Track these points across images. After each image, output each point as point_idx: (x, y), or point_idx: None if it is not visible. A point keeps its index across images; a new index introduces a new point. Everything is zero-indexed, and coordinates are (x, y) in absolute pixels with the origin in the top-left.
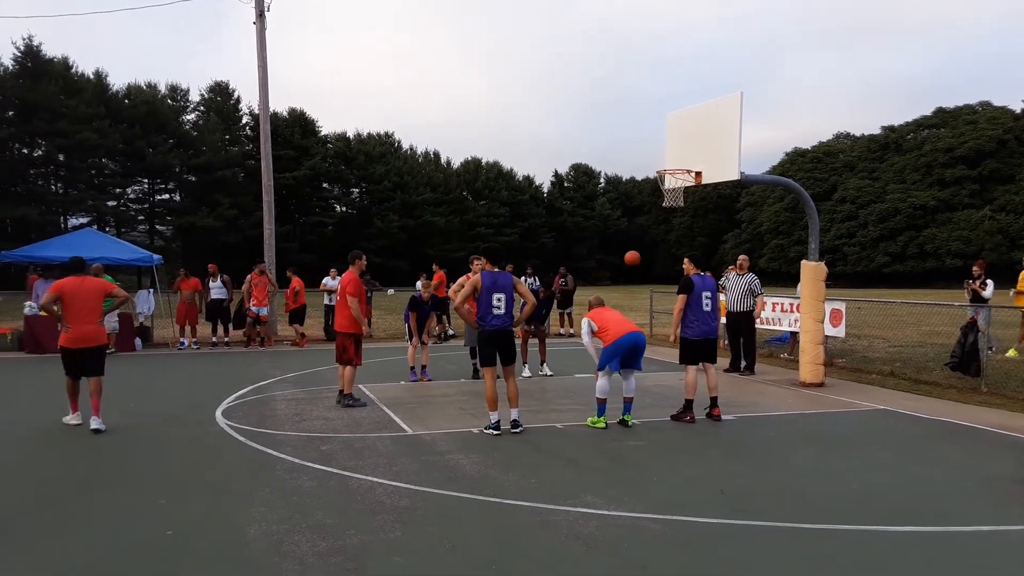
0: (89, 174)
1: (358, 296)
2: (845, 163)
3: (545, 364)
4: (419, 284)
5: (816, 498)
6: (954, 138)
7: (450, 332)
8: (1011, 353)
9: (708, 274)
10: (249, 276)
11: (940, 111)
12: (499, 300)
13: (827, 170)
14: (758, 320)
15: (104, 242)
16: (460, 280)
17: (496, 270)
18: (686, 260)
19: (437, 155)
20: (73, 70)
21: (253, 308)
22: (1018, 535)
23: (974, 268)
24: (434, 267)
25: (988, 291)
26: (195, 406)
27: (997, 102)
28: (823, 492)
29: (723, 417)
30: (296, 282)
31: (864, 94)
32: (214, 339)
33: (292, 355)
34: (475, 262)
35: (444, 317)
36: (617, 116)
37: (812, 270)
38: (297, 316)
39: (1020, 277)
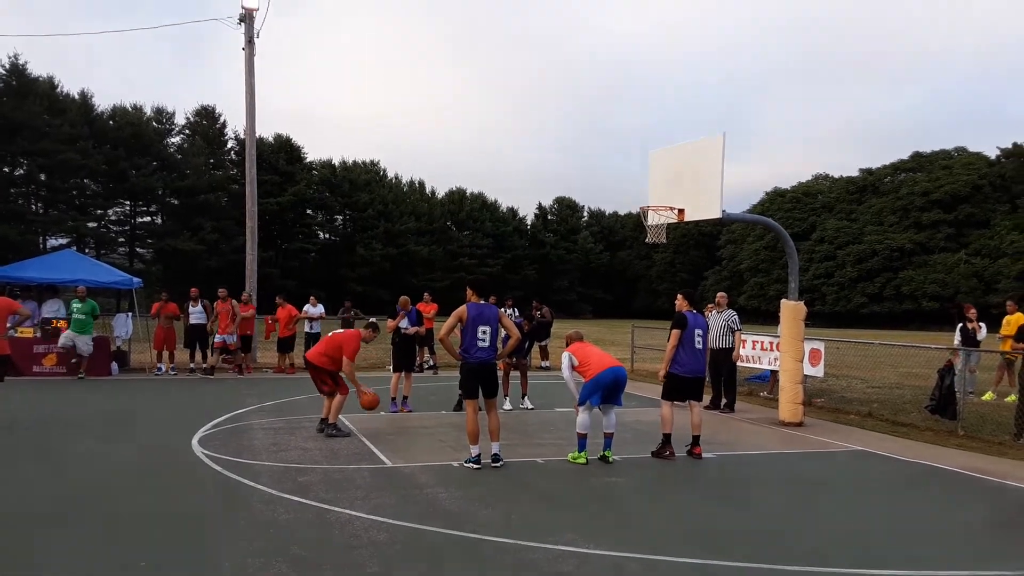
0: (70, 195)
1: (353, 359)
2: (824, 204)
3: (527, 397)
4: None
5: (794, 540)
6: (930, 182)
7: (429, 364)
8: (987, 396)
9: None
10: (215, 304)
11: (917, 155)
12: (484, 332)
13: (806, 210)
14: (739, 358)
15: (84, 264)
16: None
17: (482, 302)
18: (679, 296)
19: (422, 184)
20: (58, 90)
21: (218, 336)
22: None
23: (971, 311)
24: (426, 297)
25: (983, 333)
26: (171, 434)
27: (972, 148)
28: (801, 534)
29: (703, 455)
30: (291, 310)
31: (842, 137)
32: (192, 365)
33: (270, 383)
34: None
35: (425, 348)
36: (601, 150)
37: (792, 309)
38: (288, 345)
39: (1004, 321)
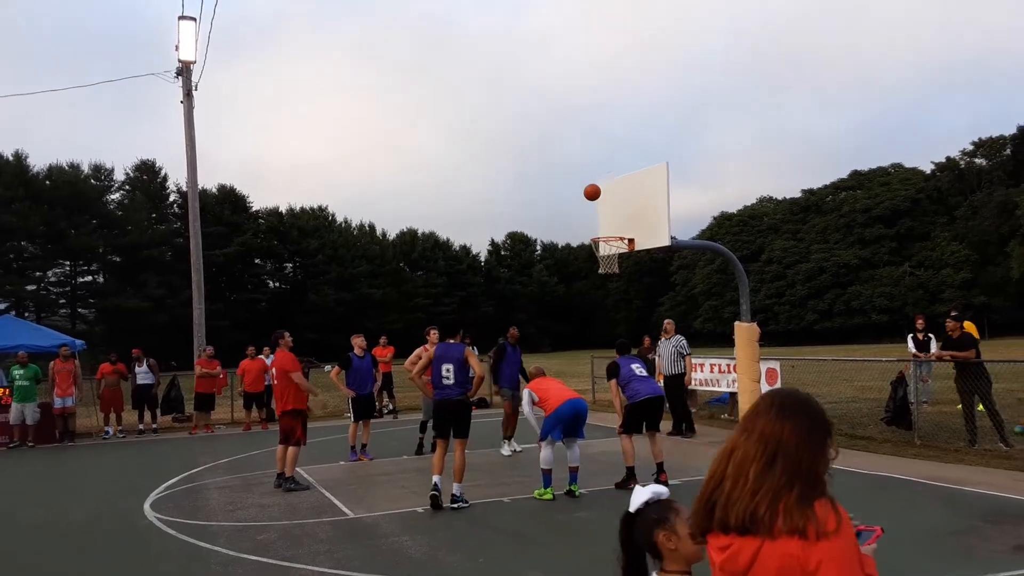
0: (7, 258)
1: (300, 369)
2: (770, 225)
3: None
4: (354, 343)
5: None
6: (870, 199)
7: (388, 408)
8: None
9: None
10: (52, 363)
11: (856, 173)
12: (447, 370)
13: (753, 232)
14: (691, 381)
15: (24, 329)
16: (417, 351)
17: (450, 341)
18: (616, 352)
19: (372, 227)
20: None
21: (57, 401)
22: None
23: (919, 322)
24: (382, 340)
25: (934, 346)
26: (122, 498)
27: (908, 164)
28: None
29: (670, 482)
30: (261, 363)
31: (784, 160)
32: (141, 426)
33: (223, 440)
34: (431, 332)
35: (384, 392)
36: (551, 183)
37: (745, 331)
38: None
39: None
